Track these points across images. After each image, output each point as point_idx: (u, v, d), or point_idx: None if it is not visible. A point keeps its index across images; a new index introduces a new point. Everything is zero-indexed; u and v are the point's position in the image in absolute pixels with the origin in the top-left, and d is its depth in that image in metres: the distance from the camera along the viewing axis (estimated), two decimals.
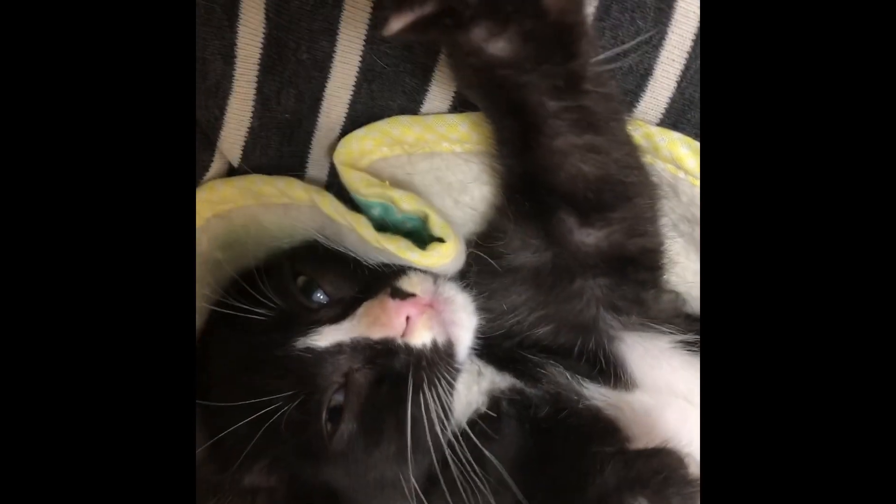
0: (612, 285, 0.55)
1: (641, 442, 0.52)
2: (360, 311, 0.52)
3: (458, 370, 0.54)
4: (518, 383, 0.56)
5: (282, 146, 0.60)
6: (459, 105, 0.56)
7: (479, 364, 0.58)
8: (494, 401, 0.56)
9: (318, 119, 0.59)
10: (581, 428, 0.54)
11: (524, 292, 0.56)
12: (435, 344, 0.51)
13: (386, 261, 0.55)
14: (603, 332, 0.56)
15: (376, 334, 0.51)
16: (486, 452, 0.52)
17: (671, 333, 0.58)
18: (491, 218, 0.58)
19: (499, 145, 0.52)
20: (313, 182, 0.61)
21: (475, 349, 0.56)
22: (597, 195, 0.50)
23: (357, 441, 0.51)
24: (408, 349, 0.51)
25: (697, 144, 0.53)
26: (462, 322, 0.54)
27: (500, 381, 0.57)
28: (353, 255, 0.56)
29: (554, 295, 0.55)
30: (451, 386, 0.53)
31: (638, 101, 0.54)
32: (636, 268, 0.55)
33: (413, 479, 0.52)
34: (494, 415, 0.55)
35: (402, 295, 0.51)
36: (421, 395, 0.50)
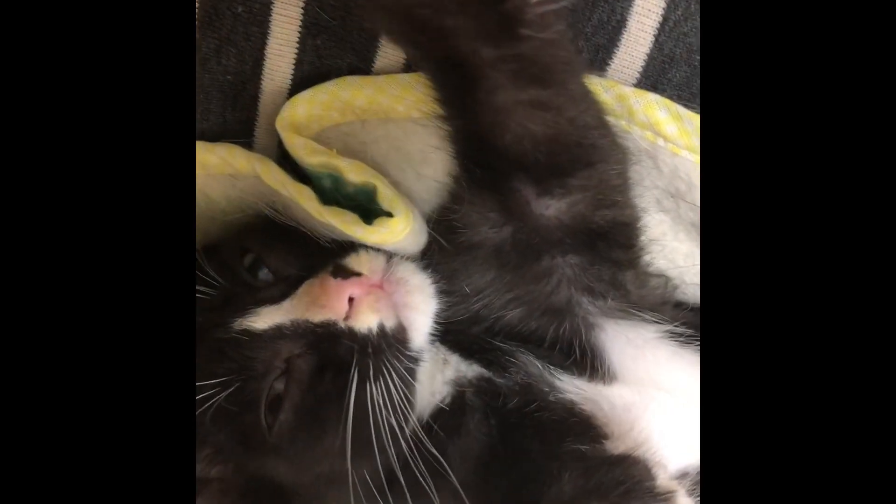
0: (583, 264, 0.50)
1: (619, 441, 0.48)
2: (301, 290, 0.47)
3: (413, 359, 0.49)
4: (486, 373, 0.51)
5: (225, 111, 0.55)
6: (415, 64, 0.51)
7: (443, 352, 0.53)
8: (459, 392, 0.51)
9: (263, 81, 0.54)
10: (552, 424, 0.49)
11: (487, 272, 0.50)
12: (383, 329, 0.46)
13: (336, 236, 0.50)
14: (579, 317, 0.51)
15: (316, 316, 0.46)
16: (444, 453, 0.48)
17: (657, 322, 0.52)
18: (449, 189, 0.52)
19: (440, 104, 0.45)
20: (263, 153, 0.56)
21: (438, 335, 0.52)
22: (549, 158, 0.44)
23: (298, 434, 0.46)
24: (351, 334, 0.46)
25: (677, 108, 0.47)
26: (416, 305, 0.48)
27: (465, 369, 0.52)
28: (304, 229, 0.52)
29: (520, 275, 0.50)
30: (406, 377, 0.48)
31: (611, 59, 0.48)
32: (608, 244, 0.50)
33: (368, 476, 0.48)
34: (454, 409, 0.50)
35: (346, 273, 0.46)
36: (368, 385, 0.45)
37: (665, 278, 0.55)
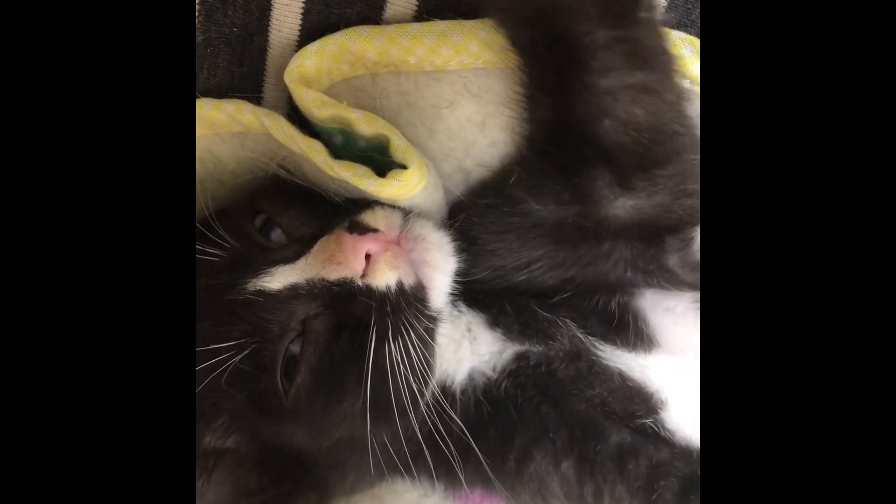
0: (644, 249, 0.48)
1: (676, 407, 0.48)
2: (316, 248, 0.46)
3: (433, 319, 0.47)
4: (521, 347, 0.50)
5: (232, 66, 0.53)
6: (426, 12, 0.49)
7: (469, 318, 0.51)
8: (491, 380, 0.50)
9: (270, 33, 0.52)
10: (611, 391, 0.48)
11: (542, 246, 0.49)
12: (401, 286, 0.45)
13: (350, 194, 0.49)
14: (627, 291, 0.50)
15: (333, 274, 0.44)
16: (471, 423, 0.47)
17: (693, 290, 0.51)
18: (515, 161, 0.50)
19: (529, 87, 0.44)
20: (272, 109, 0.54)
21: (464, 299, 0.50)
22: (646, 148, 0.42)
23: (315, 397, 0.45)
24: (369, 291, 0.44)
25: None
26: (436, 263, 0.47)
27: (499, 349, 0.50)
28: (317, 189, 0.50)
29: (577, 254, 0.48)
30: (425, 337, 0.46)
31: None
32: (677, 234, 0.48)
33: (388, 442, 0.47)
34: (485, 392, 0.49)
35: (362, 230, 0.45)
36: (386, 344, 0.44)
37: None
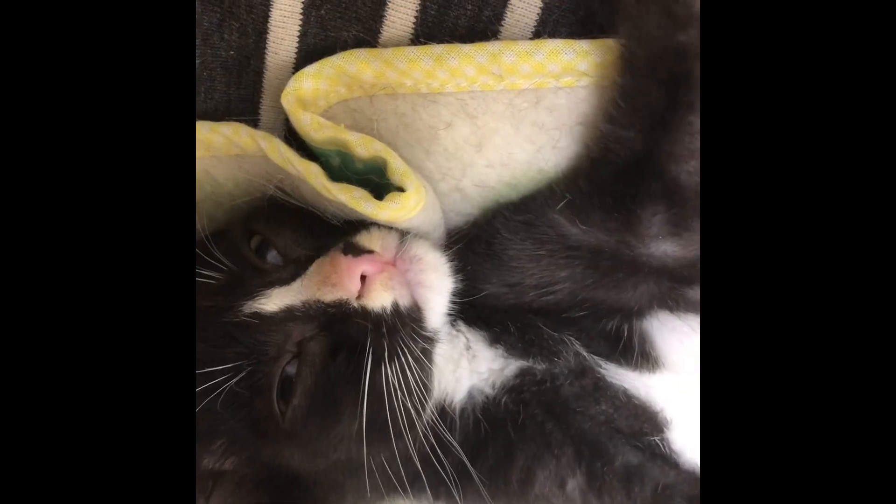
0: (673, 288, 0.48)
1: (681, 427, 0.48)
2: (311, 269, 0.45)
3: (430, 339, 0.47)
4: (525, 363, 0.50)
5: (229, 89, 0.53)
6: (422, 36, 0.49)
7: (468, 337, 0.51)
8: (492, 398, 0.49)
9: (266, 55, 0.52)
10: (617, 408, 0.48)
11: (570, 268, 0.48)
12: (397, 308, 0.44)
13: (347, 216, 0.48)
14: (640, 315, 0.50)
15: (328, 296, 0.44)
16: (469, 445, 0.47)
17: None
18: (565, 177, 0.50)
19: (625, 114, 0.44)
20: (269, 131, 0.54)
21: (463, 316, 0.50)
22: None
23: (311, 419, 0.45)
24: (364, 313, 0.44)
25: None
26: (431, 284, 0.47)
27: (500, 366, 0.50)
28: (314, 210, 0.50)
29: (604, 281, 0.48)
30: (422, 359, 0.46)
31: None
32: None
33: (386, 464, 0.46)
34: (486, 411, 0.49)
35: (357, 251, 0.45)
36: (383, 366, 0.44)
37: None
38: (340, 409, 0.44)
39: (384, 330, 0.44)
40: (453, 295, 0.49)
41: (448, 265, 0.48)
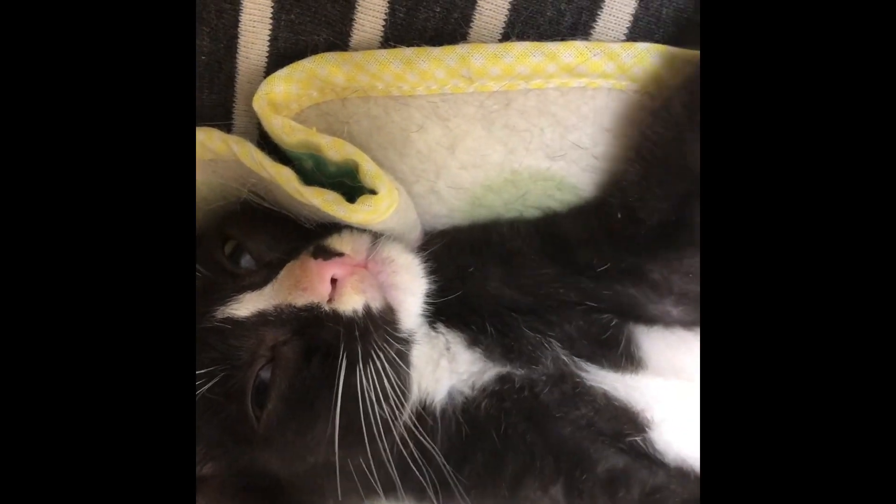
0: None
1: (664, 427, 0.48)
2: (282, 273, 0.45)
3: (404, 341, 0.47)
4: (503, 369, 0.49)
5: (202, 93, 0.53)
6: (392, 38, 0.49)
7: (447, 338, 0.51)
8: (470, 401, 0.49)
9: (238, 60, 0.52)
10: (597, 412, 0.48)
11: (586, 287, 0.49)
12: (369, 311, 0.44)
13: (321, 220, 0.48)
14: (626, 313, 0.50)
15: (299, 300, 0.44)
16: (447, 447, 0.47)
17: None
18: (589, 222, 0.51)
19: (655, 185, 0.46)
20: (243, 136, 0.54)
21: (442, 316, 0.50)
22: None
23: (287, 424, 0.45)
24: (336, 317, 0.44)
25: (669, 49, 0.46)
26: (404, 285, 0.46)
27: (479, 369, 0.50)
28: (288, 214, 0.50)
29: (599, 284, 0.49)
30: (397, 361, 0.46)
31: (595, 21, 0.46)
32: None
33: (364, 467, 0.46)
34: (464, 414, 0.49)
35: (328, 254, 0.44)
36: (357, 370, 0.44)
37: None
38: (315, 413, 0.44)
39: (357, 333, 0.44)
40: (431, 295, 0.49)
41: (421, 266, 0.48)
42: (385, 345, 0.45)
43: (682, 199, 0.45)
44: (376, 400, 0.43)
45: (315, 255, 0.44)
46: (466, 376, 0.50)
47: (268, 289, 0.45)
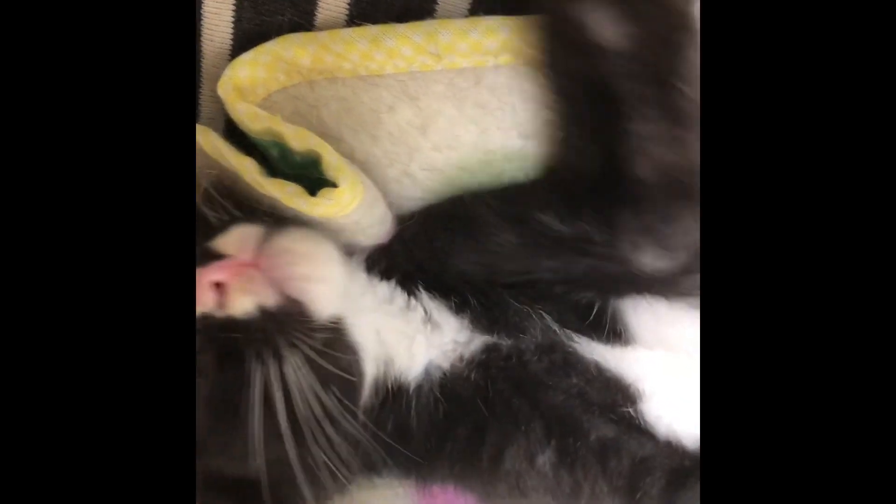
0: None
1: (654, 400, 0.47)
2: None
3: (331, 329, 0.44)
4: (490, 339, 0.48)
5: None
6: (357, 16, 0.47)
7: (427, 307, 0.49)
8: (455, 376, 0.49)
9: (202, 42, 0.50)
10: (585, 383, 0.47)
11: (556, 257, 0.47)
12: (264, 310, 0.41)
13: (283, 213, 0.47)
14: (606, 287, 0.48)
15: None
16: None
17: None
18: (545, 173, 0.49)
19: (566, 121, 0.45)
20: (209, 124, 0.53)
21: (424, 286, 0.49)
22: (660, 196, 0.43)
23: (218, 429, 0.43)
24: (233, 323, 0.41)
25: None
26: (306, 275, 0.43)
27: (465, 339, 0.49)
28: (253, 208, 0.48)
29: (590, 262, 0.47)
30: (328, 350, 0.43)
31: None
32: None
33: (336, 450, 0.45)
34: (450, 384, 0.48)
35: (209, 258, 0.42)
36: (272, 369, 0.41)
37: None
38: (241, 416, 0.42)
39: (258, 336, 0.41)
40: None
41: (332, 249, 0.45)
42: (299, 340, 0.42)
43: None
44: (306, 395, 0.42)
45: (198, 262, 0.41)
46: (451, 346, 0.49)
47: None
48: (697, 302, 0.48)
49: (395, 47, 0.46)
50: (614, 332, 0.48)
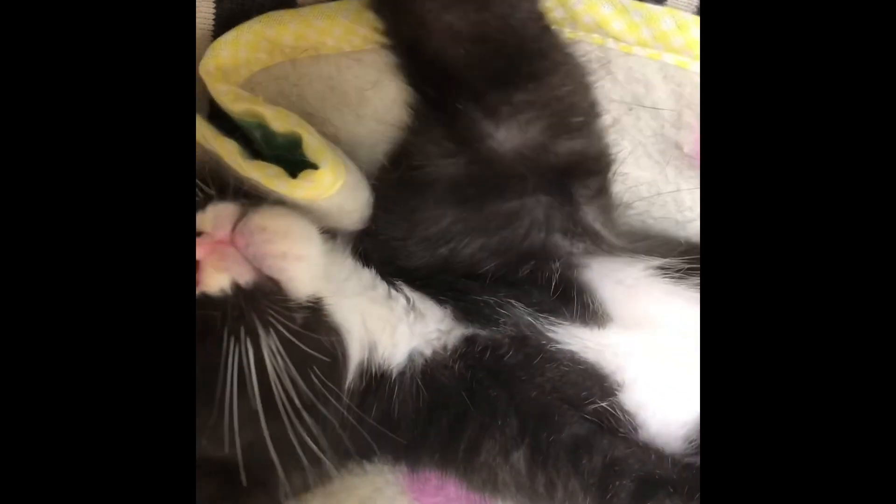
0: (553, 204, 0.45)
1: (635, 387, 0.46)
2: None
3: (308, 308, 0.43)
4: (468, 330, 0.47)
5: None
6: None
7: (410, 297, 0.48)
8: (440, 361, 0.48)
9: None
10: (560, 376, 0.46)
11: (447, 212, 0.46)
12: (238, 287, 0.41)
13: (266, 196, 0.45)
14: (561, 259, 0.47)
15: None
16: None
17: (645, 257, 0.47)
18: (405, 121, 0.47)
19: (384, 30, 0.43)
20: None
21: (398, 278, 0.48)
22: (486, 62, 0.40)
23: (198, 412, 0.41)
24: (209, 300, 0.41)
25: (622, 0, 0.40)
26: (282, 252, 0.42)
27: (447, 328, 0.48)
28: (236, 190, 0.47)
29: (485, 217, 0.45)
30: (305, 331, 0.42)
31: None
32: (573, 180, 0.44)
33: (317, 434, 0.44)
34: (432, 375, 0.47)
35: None
36: (249, 348, 0.40)
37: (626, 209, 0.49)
38: (216, 395, 0.41)
39: (233, 314, 0.41)
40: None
41: (309, 228, 0.44)
42: (275, 319, 0.41)
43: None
44: (283, 375, 0.41)
45: None
46: (436, 335, 0.48)
47: None
48: (663, 271, 0.47)
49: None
50: (583, 308, 0.46)
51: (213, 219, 0.42)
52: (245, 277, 0.41)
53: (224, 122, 0.47)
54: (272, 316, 0.41)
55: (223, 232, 0.41)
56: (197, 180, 0.43)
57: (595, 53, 0.43)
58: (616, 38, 0.42)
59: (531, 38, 0.40)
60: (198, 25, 0.49)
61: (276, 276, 0.42)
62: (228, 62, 0.47)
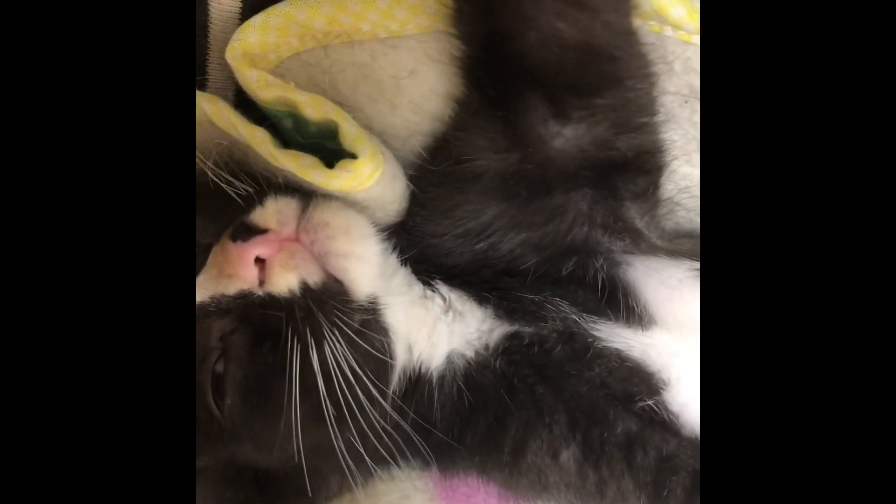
0: (598, 198, 0.43)
1: (680, 387, 0.44)
2: (208, 261, 0.40)
3: (367, 309, 0.42)
4: (510, 328, 0.46)
5: None
6: None
7: (449, 297, 0.47)
8: (483, 361, 0.46)
9: (210, 7, 0.47)
10: (609, 373, 0.45)
11: (490, 206, 0.44)
12: (307, 287, 0.39)
13: (299, 186, 0.43)
14: (603, 256, 0.45)
15: (229, 288, 0.39)
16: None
17: (688, 259, 0.46)
18: (452, 114, 0.45)
19: (455, 6, 0.41)
20: (218, 93, 0.50)
21: (441, 278, 0.46)
22: (577, 71, 0.38)
23: (250, 414, 0.41)
24: (273, 301, 0.39)
25: None
26: (345, 251, 0.41)
27: (488, 328, 0.46)
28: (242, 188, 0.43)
29: (530, 212, 0.44)
30: (365, 331, 0.41)
31: None
32: (627, 176, 0.43)
33: (359, 440, 0.43)
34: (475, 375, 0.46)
35: (248, 233, 0.39)
36: (311, 351, 0.39)
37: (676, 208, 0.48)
38: (277, 402, 0.40)
39: (300, 314, 0.39)
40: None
41: (367, 225, 0.42)
42: (339, 319, 0.40)
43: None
44: (343, 378, 0.39)
45: (235, 237, 0.39)
46: (476, 335, 0.46)
47: (200, 278, 0.40)
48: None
49: (419, 3, 0.43)
50: (628, 311, 0.45)
51: (276, 214, 0.40)
52: (314, 277, 0.40)
53: (248, 111, 0.45)
54: (337, 316, 0.39)
55: (289, 228, 0.40)
56: (227, 175, 0.41)
57: (650, 40, 0.41)
58: (674, 27, 0.40)
59: (625, 44, 0.39)
60: (224, 8, 0.47)
61: (339, 275, 0.40)
62: (256, 47, 0.45)
